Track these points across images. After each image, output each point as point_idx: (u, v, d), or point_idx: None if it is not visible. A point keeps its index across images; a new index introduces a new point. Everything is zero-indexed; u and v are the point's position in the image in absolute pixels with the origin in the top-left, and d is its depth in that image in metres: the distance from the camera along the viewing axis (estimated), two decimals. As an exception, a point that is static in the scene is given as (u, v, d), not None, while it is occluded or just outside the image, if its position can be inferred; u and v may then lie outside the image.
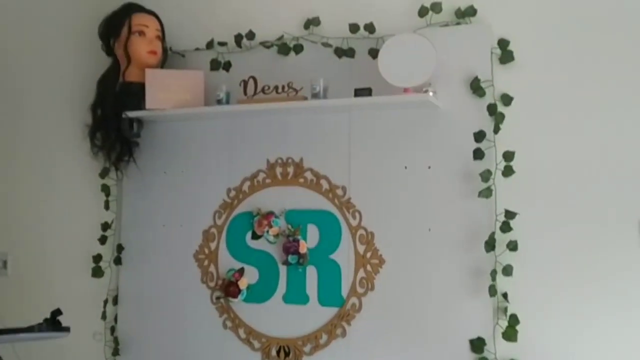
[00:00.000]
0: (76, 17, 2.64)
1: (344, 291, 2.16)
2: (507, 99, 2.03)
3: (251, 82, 2.25)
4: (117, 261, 2.48)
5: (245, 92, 2.25)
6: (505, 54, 2.04)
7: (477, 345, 1.97)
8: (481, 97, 2.04)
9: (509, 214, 1.97)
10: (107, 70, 2.42)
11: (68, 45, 2.66)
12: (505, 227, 1.97)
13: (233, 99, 2.27)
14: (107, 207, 2.51)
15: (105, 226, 2.50)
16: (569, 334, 1.93)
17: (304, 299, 2.21)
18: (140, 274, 2.45)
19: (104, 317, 2.48)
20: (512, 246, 1.96)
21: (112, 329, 2.47)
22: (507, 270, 1.96)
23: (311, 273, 2.21)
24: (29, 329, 1.96)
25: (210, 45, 2.41)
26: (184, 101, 2.28)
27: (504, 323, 1.96)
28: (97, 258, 2.49)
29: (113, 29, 2.37)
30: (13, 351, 2.29)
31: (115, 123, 2.36)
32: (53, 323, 2.02)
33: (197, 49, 2.42)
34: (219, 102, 2.25)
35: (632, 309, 1.87)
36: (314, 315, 2.19)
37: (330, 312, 2.17)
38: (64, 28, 2.67)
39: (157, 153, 2.45)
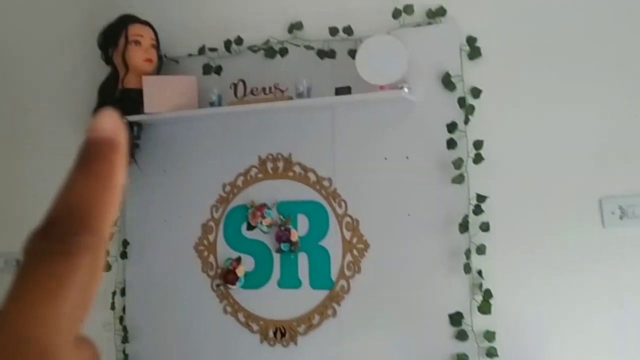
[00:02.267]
0: (76, 29, 2.76)
1: (333, 274, 2.30)
2: (476, 92, 2.16)
3: (241, 84, 2.39)
4: (123, 255, 2.63)
5: (235, 94, 2.39)
6: (473, 50, 2.17)
7: (456, 319, 2.13)
8: (452, 91, 2.18)
9: (480, 198, 2.12)
10: (107, 78, 2.54)
11: (69, 55, 2.79)
12: (478, 210, 2.11)
13: (224, 101, 2.40)
14: (112, 205, 2.66)
15: (111, 223, 2.66)
16: (538, 305, 2.07)
17: (296, 284, 2.36)
18: (145, 266, 2.60)
19: (112, 307, 2.62)
20: (484, 227, 2.11)
21: (121, 319, 2.61)
22: (481, 250, 2.11)
23: (302, 259, 2.35)
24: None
25: (201, 51, 2.54)
26: (179, 104, 2.42)
27: (479, 298, 2.10)
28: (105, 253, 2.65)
29: (111, 40, 2.50)
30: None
31: (117, 127, 2.51)
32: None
33: (189, 55, 2.56)
34: (212, 104, 2.39)
35: (593, 280, 2.02)
36: (306, 298, 2.33)
37: (321, 294, 2.32)
38: (66, 40, 2.79)
39: (157, 154, 2.59)
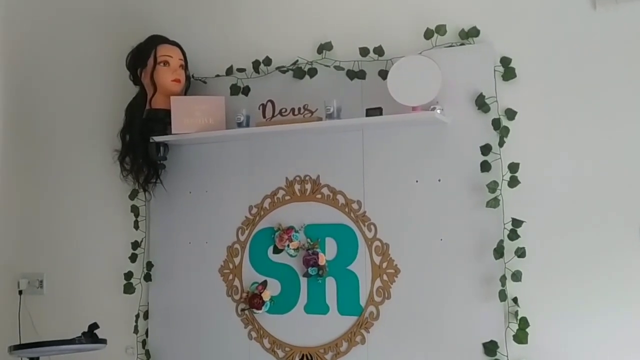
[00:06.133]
0: (105, 50, 2.77)
1: (362, 300, 2.24)
2: (511, 114, 2.11)
3: (269, 105, 2.37)
4: (147, 278, 2.59)
5: (264, 115, 2.37)
6: (508, 71, 2.12)
7: (490, 348, 2.05)
8: (486, 113, 2.13)
9: (516, 222, 2.05)
10: (135, 99, 2.53)
11: (98, 76, 2.78)
12: (513, 235, 2.05)
13: (252, 121, 2.37)
14: (136, 226, 2.62)
15: (135, 245, 2.62)
16: (577, 335, 1.99)
17: (324, 309, 2.29)
18: (169, 289, 2.55)
19: (135, 331, 2.58)
20: (520, 253, 2.04)
21: (144, 343, 2.58)
22: (516, 276, 2.03)
23: (330, 284, 2.29)
24: (70, 341, 2.09)
25: (229, 71, 2.52)
26: (207, 125, 2.39)
27: (514, 326, 2.03)
28: (128, 275, 2.60)
29: (140, 60, 2.49)
30: (50, 366, 2.40)
31: (143, 147, 2.48)
32: (91, 336, 2.15)
33: (217, 76, 2.54)
34: (240, 125, 2.36)
35: (635, 310, 1.94)
36: (334, 324, 2.27)
37: (350, 320, 2.25)
38: (95, 60, 2.80)
39: (183, 174, 2.56)
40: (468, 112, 2.15)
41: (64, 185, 2.83)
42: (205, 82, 2.57)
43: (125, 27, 2.73)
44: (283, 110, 2.34)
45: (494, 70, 2.14)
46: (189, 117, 2.39)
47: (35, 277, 2.83)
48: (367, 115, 2.17)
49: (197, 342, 2.49)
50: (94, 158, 2.76)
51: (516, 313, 2.04)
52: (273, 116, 2.36)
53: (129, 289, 2.60)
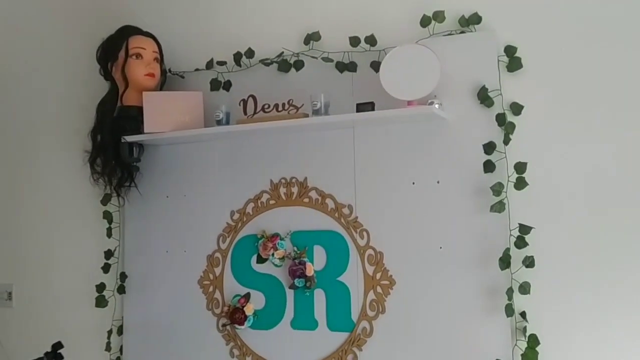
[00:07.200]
0: (74, 42, 2.63)
1: (354, 315, 2.09)
2: (516, 108, 1.95)
3: (251, 101, 2.22)
4: (121, 290, 2.44)
5: (245, 112, 2.22)
6: (513, 62, 1.97)
7: (496, 368, 1.89)
8: (489, 107, 1.97)
9: (524, 229, 1.89)
10: (106, 95, 2.38)
11: (66, 71, 2.65)
12: (520, 243, 1.89)
13: (233, 118, 2.23)
14: (109, 234, 2.46)
15: (109, 254, 2.47)
16: (592, 353, 1.83)
17: (312, 324, 2.14)
18: (145, 302, 2.41)
19: (108, 348, 2.42)
20: (529, 262, 1.88)
21: (118, 360, 2.43)
22: (524, 288, 1.87)
23: (319, 296, 2.14)
24: (28, 364, 1.93)
25: (209, 65, 2.36)
26: (183, 123, 2.24)
27: (523, 344, 1.87)
28: (101, 287, 2.45)
29: (110, 53, 2.34)
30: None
31: (115, 148, 2.33)
32: (54, 357, 2.01)
33: (196, 70, 2.39)
34: (219, 122, 2.20)
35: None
36: (323, 341, 2.12)
37: (341, 337, 2.10)
38: (63, 53, 2.66)
39: (159, 177, 2.42)
40: (469, 106, 2.00)
41: (31, 190, 2.70)
42: (183, 77, 2.42)
43: (96, 17, 2.59)
44: (266, 106, 2.18)
45: (498, 61, 1.99)
46: (164, 114, 2.23)
47: (4, 288, 2.71)
48: (358, 110, 2.03)
49: (175, 359, 2.32)
50: (63, 160, 2.62)
51: (524, 329, 1.89)
52: (255, 113, 2.20)
53: (101, 302, 2.45)
